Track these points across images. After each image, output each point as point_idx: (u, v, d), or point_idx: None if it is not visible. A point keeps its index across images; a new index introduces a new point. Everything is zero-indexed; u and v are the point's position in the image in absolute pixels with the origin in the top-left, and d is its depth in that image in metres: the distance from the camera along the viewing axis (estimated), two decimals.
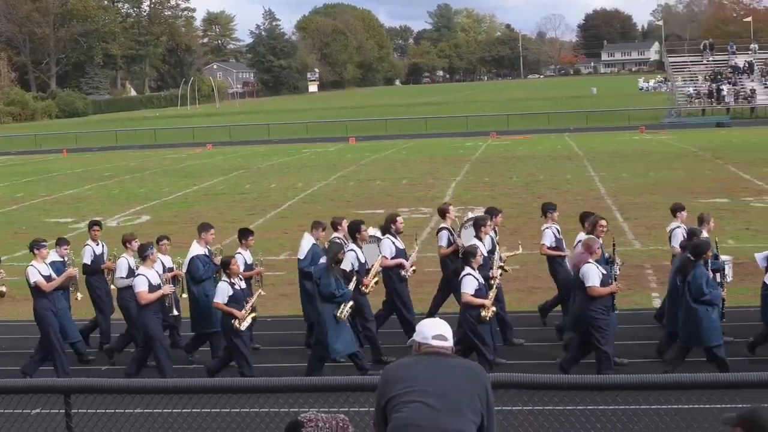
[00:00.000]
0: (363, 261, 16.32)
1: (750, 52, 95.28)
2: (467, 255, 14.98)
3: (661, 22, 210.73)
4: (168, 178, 52.45)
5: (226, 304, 15.10)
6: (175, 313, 16.53)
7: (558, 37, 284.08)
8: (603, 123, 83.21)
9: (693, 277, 14.48)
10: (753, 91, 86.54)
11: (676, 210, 17.98)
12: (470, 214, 18.77)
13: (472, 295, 14.63)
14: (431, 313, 17.80)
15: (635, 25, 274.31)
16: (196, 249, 16.92)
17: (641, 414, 11.72)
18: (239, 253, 16.95)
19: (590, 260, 14.56)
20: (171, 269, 16.82)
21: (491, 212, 17.78)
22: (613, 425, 11.33)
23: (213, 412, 10.62)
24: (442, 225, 18.19)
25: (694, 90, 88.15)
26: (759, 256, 15.95)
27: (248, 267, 17.04)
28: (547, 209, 18.13)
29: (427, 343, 6.91)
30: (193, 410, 10.26)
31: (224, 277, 15.37)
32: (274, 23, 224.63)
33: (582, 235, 16.58)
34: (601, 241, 15.30)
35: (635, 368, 14.72)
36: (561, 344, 16.56)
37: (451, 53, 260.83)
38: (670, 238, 17.63)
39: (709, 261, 15.02)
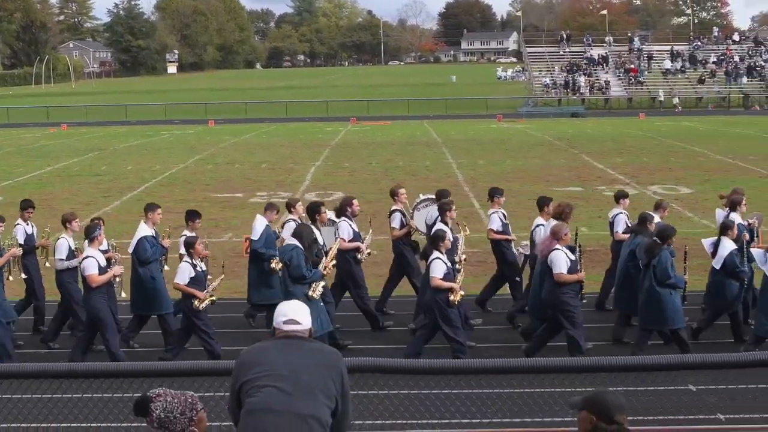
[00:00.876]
0: (322, 243, 16.03)
1: (605, 44, 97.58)
2: (436, 239, 14.97)
3: (519, 13, 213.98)
4: (21, 158, 51.01)
5: (187, 285, 14.96)
6: (123, 295, 16.07)
7: (419, 25, 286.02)
8: (462, 111, 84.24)
9: (659, 260, 14.68)
10: (607, 82, 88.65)
11: (619, 197, 18.45)
12: (421, 197, 18.76)
13: (440, 279, 14.62)
14: (382, 300, 17.96)
15: (495, 14, 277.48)
16: (144, 230, 16.32)
17: (495, 397, 11.89)
18: (185, 234, 16.48)
19: (558, 246, 14.66)
20: (106, 251, 16.05)
21: (444, 195, 17.68)
22: (467, 408, 11.47)
23: (55, 398, 10.36)
24: (394, 207, 18.00)
25: (550, 80, 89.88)
26: (706, 242, 16.39)
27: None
28: (494, 194, 18.14)
29: (279, 328, 6.89)
30: (44, 396, 9.99)
31: (186, 258, 15.19)
32: (132, 2, 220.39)
33: (540, 220, 16.89)
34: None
35: (502, 352, 14.89)
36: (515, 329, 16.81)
37: (313, 38, 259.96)
38: (612, 224, 17.99)
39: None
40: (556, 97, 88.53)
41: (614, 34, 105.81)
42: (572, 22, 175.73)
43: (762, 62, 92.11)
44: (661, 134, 58.56)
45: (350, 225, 17.07)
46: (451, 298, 14.59)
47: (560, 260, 14.54)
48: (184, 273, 15.02)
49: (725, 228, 15.95)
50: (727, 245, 15.72)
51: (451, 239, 15.55)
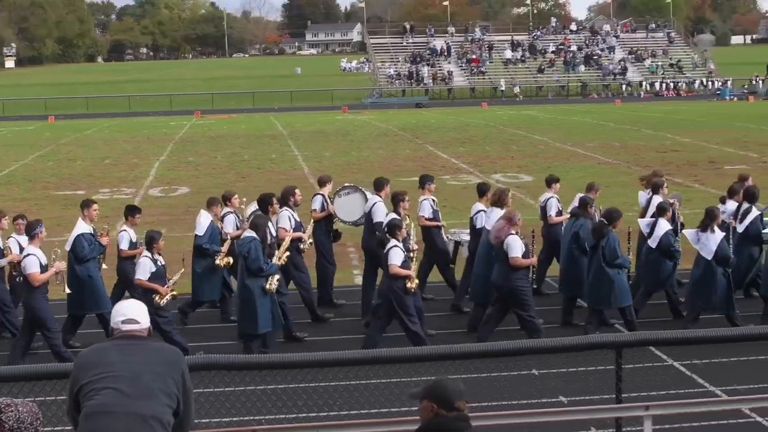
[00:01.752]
0: (275, 234, 16.03)
1: (447, 35, 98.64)
2: (393, 227, 15.13)
3: (363, 4, 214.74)
4: None
5: (148, 280, 14.75)
6: (68, 291, 15.43)
7: (263, 16, 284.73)
8: (307, 102, 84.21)
9: (607, 241, 15.47)
10: (450, 73, 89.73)
11: (550, 181, 18.92)
12: (346, 184, 18.97)
13: (399, 266, 14.70)
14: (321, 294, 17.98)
15: (339, 6, 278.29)
16: (82, 227, 15.84)
17: (341, 390, 11.94)
18: (124, 230, 16.33)
19: (512, 232, 15.07)
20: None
21: (382, 183, 17.70)
22: (314, 402, 11.51)
23: None
24: (318, 192, 18.18)
25: (394, 71, 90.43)
26: (642, 223, 17.06)
27: (133, 245, 16.30)
28: (425, 181, 18.26)
29: (118, 328, 6.83)
30: None
31: (146, 253, 14.94)
32: None
33: (480, 206, 17.44)
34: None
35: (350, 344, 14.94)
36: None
37: (155, 30, 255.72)
38: (543, 208, 18.41)
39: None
40: (400, 87, 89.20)
41: (456, 24, 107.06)
42: (415, 13, 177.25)
43: (599, 51, 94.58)
44: (503, 123, 59.64)
45: (292, 215, 17.06)
46: (408, 285, 14.75)
47: (516, 245, 15.00)
48: (144, 268, 14.79)
49: (662, 210, 16.71)
50: (663, 225, 16.48)
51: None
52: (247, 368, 8.34)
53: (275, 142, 51.32)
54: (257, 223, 15.01)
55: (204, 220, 17.03)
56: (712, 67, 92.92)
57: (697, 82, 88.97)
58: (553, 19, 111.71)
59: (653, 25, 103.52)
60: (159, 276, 14.89)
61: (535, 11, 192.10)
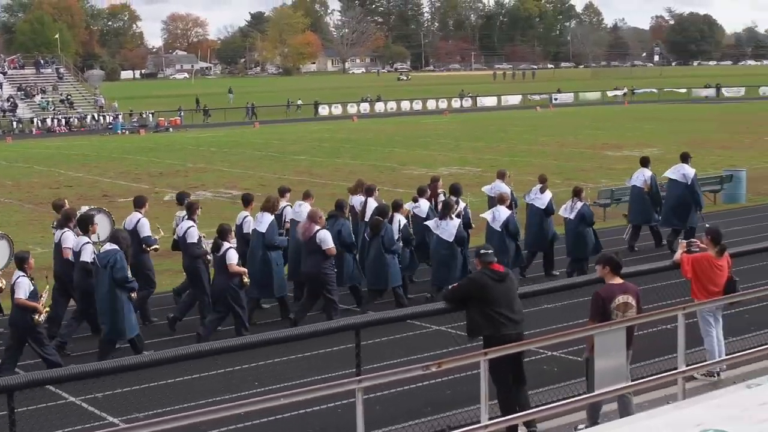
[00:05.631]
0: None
1: None
2: (224, 232, 17.21)
3: None
4: None
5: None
6: None
7: None
8: None
9: (386, 232, 18.90)
10: None
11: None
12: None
13: (237, 265, 17.01)
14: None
15: None
16: None
17: None
18: None
19: (318, 227, 17.75)
20: None
21: (143, 200, 19.12)
22: None
23: None
24: None
25: None
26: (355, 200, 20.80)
27: None
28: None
29: None
30: None
31: (21, 273, 15.00)
32: None
33: (245, 213, 19.70)
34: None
35: None
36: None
37: None
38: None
39: None
40: None
41: None
42: None
43: None
44: None
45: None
46: (245, 280, 17.14)
47: (329, 238, 17.74)
48: (25, 288, 14.84)
49: (450, 205, 19.99)
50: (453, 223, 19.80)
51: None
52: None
53: None
54: (118, 236, 16.14)
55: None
56: (102, 102, 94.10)
57: (89, 116, 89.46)
58: None
59: (42, 61, 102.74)
60: (34, 295, 15.02)
61: None
